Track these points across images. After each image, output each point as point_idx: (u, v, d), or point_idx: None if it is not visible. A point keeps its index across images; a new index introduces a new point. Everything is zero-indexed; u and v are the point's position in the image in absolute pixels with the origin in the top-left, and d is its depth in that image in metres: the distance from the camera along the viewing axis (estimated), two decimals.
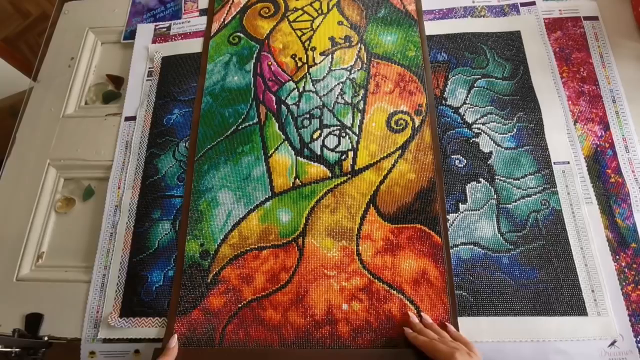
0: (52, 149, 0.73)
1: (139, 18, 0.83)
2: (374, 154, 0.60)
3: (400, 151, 0.60)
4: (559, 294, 0.52)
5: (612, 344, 0.50)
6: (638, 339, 0.50)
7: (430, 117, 0.62)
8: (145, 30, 0.80)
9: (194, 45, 0.76)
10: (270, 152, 0.63)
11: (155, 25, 0.81)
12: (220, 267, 0.59)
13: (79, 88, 0.79)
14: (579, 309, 0.51)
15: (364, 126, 0.62)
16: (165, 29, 0.80)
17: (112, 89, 0.79)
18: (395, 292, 0.53)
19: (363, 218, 0.57)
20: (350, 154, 0.61)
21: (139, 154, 0.68)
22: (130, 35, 0.81)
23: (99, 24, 0.84)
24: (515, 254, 0.55)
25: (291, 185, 0.61)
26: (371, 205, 0.58)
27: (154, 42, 0.79)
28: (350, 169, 0.60)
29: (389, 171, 0.59)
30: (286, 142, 0.63)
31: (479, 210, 0.58)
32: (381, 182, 0.58)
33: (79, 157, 0.72)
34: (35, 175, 0.71)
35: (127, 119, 0.72)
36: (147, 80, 0.75)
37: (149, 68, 0.76)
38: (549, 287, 0.53)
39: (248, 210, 0.61)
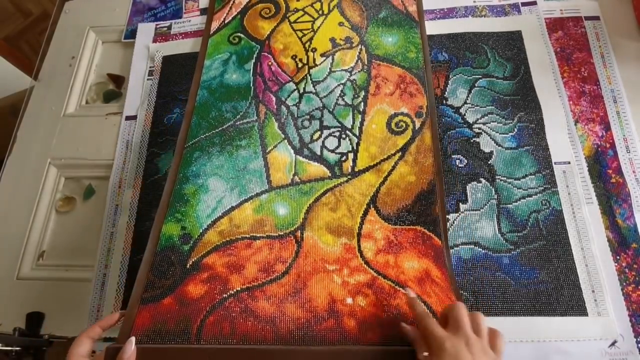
0: (53, 148, 0.73)
1: (139, 17, 0.83)
2: (374, 156, 0.60)
3: (400, 153, 0.60)
4: (559, 294, 0.52)
5: (613, 344, 0.50)
6: (638, 340, 0.50)
7: (430, 119, 0.61)
8: (146, 30, 0.80)
9: (195, 45, 0.76)
10: (269, 149, 0.62)
11: (156, 25, 0.81)
12: (203, 254, 0.53)
13: (79, 87, 0.79)
14: (579, 309, 0.51)
15: (364, 128, 0.62)
16: (166, 28, 0.80)
17: (113, 88, 0.79)
18: (401, 289, 0.50)
19: (363, 218, 0.56)
20: (350, 155, 0.60)
21: (139, 153, 0.68)
22: (131, 34, 0.81)
23: (100, 23, 0.84)
24: (516, 254, 0.55)
25: (290, 181, 0.59)
26: (371, 205, 0.57)
27: (154, 41, 0.79)
28: (350, 170, 0.59)
29: (389, 173, 0.58)
30: (285, 141, 0.62)
31: (479, 210, 0.57)
32: (381, 184, 0.58)
33: (80, 156, 0.72)
34: (36, 175, 0.71)
35: (128, 118, 0.72)
36: (147, 79, 0.75)
37: (150, 67, 0.76)
38: (549, 287, 0.53)
39: (242, 200, 0.57)
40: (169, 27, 0.80)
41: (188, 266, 0.52)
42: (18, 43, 1.55)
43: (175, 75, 0.74)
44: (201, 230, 0.55)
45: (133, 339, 0.44)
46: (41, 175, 0.71)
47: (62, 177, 0.72)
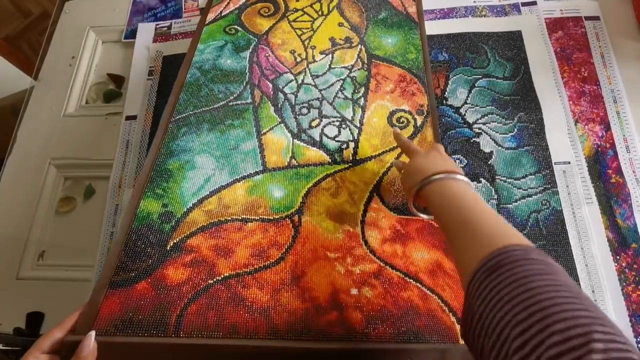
0: (53, 148, 0.73)
1: (139, 17, 0.83)
2: (376, 147, 0.58)
3: None
4: None
5: None
6: (638, 339, 0.50)
7: (432, 118, 0.60)
8: (146, 30, 0.80)
9: None
10: (264, 130, 0.58)
11: (156, 25, 0.81)
12: (187, 234, 0.48)
13: (79, 87, 0.79)
14: None
15: (365, 120, 0.60)
16: (166, 28, 0.80)
17: (113, 88, 0.79)
18: (412, 280, 0.45)
19: (367, 205, 0.52)
20: (352, 144, 0.58)
21: (139, 153, 0.68)
22: (131, 34, 0.81)
23: (100, 23, 0.84)
24: None
25: (287, 164, 0.55)
26: (375, 194, 0.53)
27: (154, 41, 0.79)
28: (351, 158, 0.56)
29: (392, 164, 0.56)
30: (282, 124, 0.58)
31: None
32: (384, 174, 0.55)
33: (80, 156, 0.72)
34: (36, 175, 0.71)
35: (128, 118, 0.72)
36: (148, 79, 0.75)
37: (150, 67, 0.76)
38: None
39: (233, 180, 0.53)
40: (169, 27, 0.80)
41: (168, 247, 0.47)
42: (18, 43, 1.55)
43: (176, 75, 0.73)
44: (185, 209, 0.50)
45: (93, 333, 0.38)
46: (41, 175, 0.71)
47: (62, 177, 0.72)
